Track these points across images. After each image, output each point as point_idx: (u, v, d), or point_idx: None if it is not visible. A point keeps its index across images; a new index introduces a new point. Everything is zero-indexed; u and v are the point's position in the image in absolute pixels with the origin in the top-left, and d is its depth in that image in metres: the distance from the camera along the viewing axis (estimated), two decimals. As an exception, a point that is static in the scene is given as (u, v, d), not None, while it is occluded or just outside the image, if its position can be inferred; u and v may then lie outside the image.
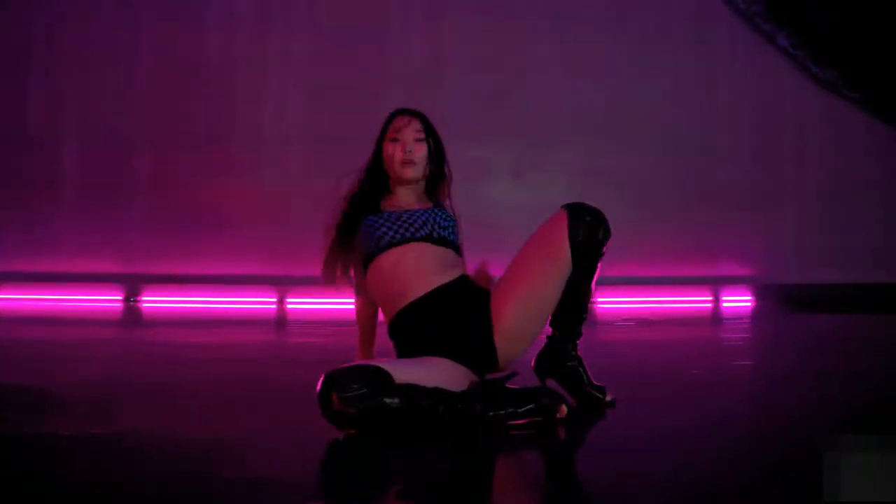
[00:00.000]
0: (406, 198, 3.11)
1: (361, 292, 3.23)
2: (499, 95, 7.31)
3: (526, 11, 7.46)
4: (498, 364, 2.89)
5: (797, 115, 7.70)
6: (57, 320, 6.21)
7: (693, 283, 7.59)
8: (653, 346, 5.32)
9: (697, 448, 2.65)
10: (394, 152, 3.06)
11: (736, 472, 2.40)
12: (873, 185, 7.70)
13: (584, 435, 2.79)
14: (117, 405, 3.24)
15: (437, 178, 3.17)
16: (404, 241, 2.95)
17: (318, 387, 2.52)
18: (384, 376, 2.52)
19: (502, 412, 2.60)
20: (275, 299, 7.30)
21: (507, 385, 2.69)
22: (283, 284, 7.29)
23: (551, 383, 3.00)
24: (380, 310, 3.14)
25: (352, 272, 3.20)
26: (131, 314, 6.71)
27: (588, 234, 2.83)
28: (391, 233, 2.97)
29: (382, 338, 3.23)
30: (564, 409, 2.68)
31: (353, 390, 2.47)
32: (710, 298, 7.62)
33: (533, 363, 3.05)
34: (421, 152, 3.06)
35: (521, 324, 2.84)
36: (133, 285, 7.26)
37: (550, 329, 3.00)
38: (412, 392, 2.52)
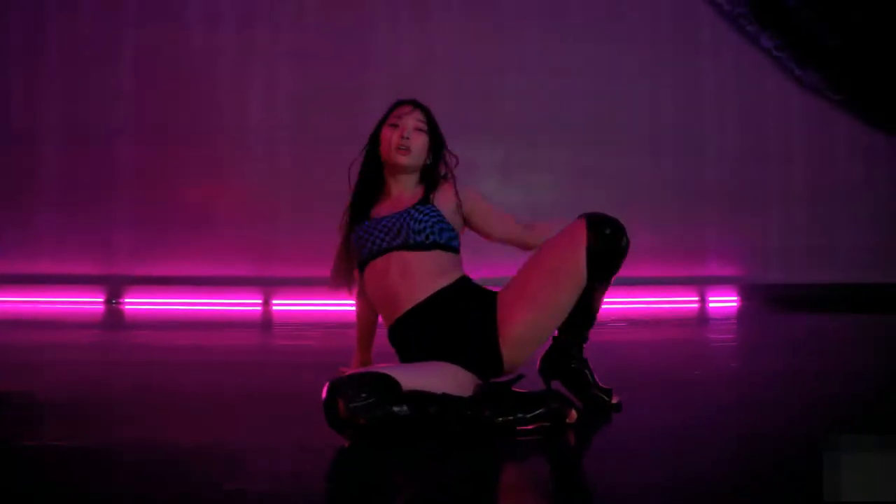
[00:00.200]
0: (396, 191, 3.05)
1: (362, 294, 3.20)
2: (486, 95, 7.31)
3: (513, 12, 7.48)
4: (502, 368, 2.83)
5: (782, 116, 7.75)
6: (37, 323, 6.15)
7: (679, 283, 7.59)
8: (643, 346, 5.32)
9: (696, 448, 2.64)
10: (391, 136, 3.00)
11: (735, 472, 2.40)
12: (857, 185, 7.75)
13: (581, 436, 2.77)
14: (104, 412, 3.19)
15: (433, 171, 3.08)
16: (382, 251, 2.90)
17: (324, 395, 2.48)
18: (392, 384, 2.47)
19: (511, 417, 2.55)
20: (260, 301, 7.23)
21: (514, 389, 2.63)
22: (268, 285, 7.24)
23: (556, 385, 2.98)
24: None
25: (356, 274, 3.16)
26: (113, 316, 6.63)
27: (609, 247, 2.79)
28: (369, 244, 2.94)
29: (381, 339, 3.21)
30: (574, 413, 2.62)
31: (360, 399, 2.42)
32: (696, 299, 7.64)
33: (538, 364, 3.02)
34: (418, 141, 3.00)
35: (529, 333, 2.78)
36: (115, 287, 7.19)
37: (557, 331, 2.96)
38: (420, 399, 2.47)
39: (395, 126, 3.01)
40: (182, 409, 3.24)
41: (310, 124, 7.23)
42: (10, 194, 7.17)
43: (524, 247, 3.05)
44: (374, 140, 3.09)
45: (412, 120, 3.01)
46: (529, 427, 2.56)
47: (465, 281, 2.91)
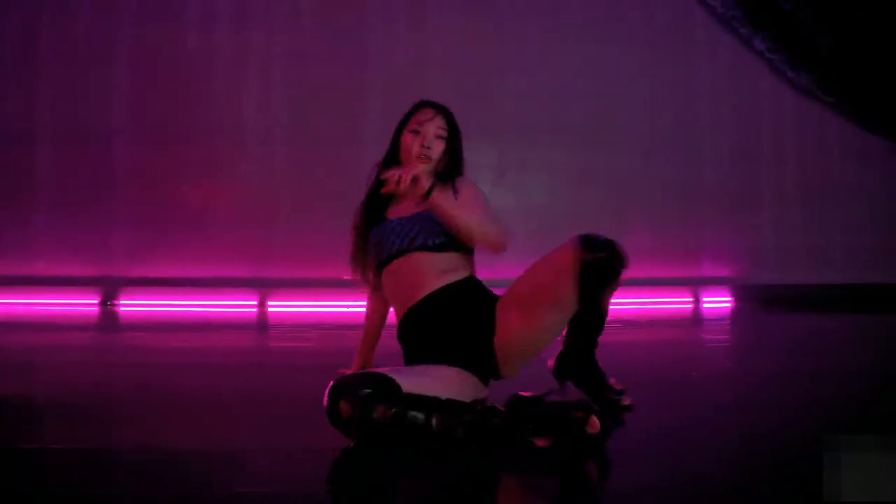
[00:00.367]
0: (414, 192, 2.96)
1: (375, 294, 3.22)
2: (482, 96, 7.30)
3: (509, 14, 7.49)
4: (499, 372, 2.83)
5: (776, 118, 7.76)
6: (33, 325, 6.12)
7: (674, 283, 7.59)
8: (638, 347, 5.33)
9: (693, 448, 2.64)
10: (412, 144, 3.00)
11: (733, 472, 2.40)
12: (850, 186, 7.78)
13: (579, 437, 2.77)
14: (102, 414, 3.18)
15: (451, 170, 3.07)
16: (401, 252, 2.91)
17: (326, 395, 2.50)
18: (393, 386, 2.48)
19: (525, 427, 2.49)
20: (255, 302, 7.21)
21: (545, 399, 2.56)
22: (264, 287, 7.22)
23: (570, 387, 3.00)
24: (391, 312, 3.13)
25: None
26: (109, 318, 6.61)
27: (599, 275, 2.70)
28: (387, 247, 2.94)
29: (384, 342, 3.27)
30: (597, 422, 2.49)
31: (361, 400, 2.44)
32: (690, 299, 7.64)
33: (552, 365, 3.02)
34: (438, 149, 3.01)
35: (520, 344, 2.77)
36: (111, 288, 7.17)
37: (567, 333, 2.96)
38: (420, 403, 2.47)
39: (416, 133, 3.01)
40: (180, 410, 3.23)
41: (307, 125, 7.23)
42: (7, 195, 7.12)
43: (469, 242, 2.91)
44: (395, 141, 3.09)
45: (433, 127, 3.02)
46: (546, 438, 2.48)
47: (472, 280, 2.92)
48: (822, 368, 4.29)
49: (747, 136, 7.77)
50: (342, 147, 7.22)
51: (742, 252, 7.71)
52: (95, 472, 2.39)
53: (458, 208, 2.79)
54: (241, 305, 7.23)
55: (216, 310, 7.06)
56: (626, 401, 2.86)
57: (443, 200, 2.76)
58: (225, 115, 7.26)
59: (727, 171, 7.70)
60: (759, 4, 7.44)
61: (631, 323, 6.45)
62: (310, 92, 7.26)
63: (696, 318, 6.93)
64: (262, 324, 6.46)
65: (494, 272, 3.19)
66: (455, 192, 3.00)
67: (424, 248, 2.89)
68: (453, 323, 2.80)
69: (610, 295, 2.76)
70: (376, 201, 3.08)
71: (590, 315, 2.80)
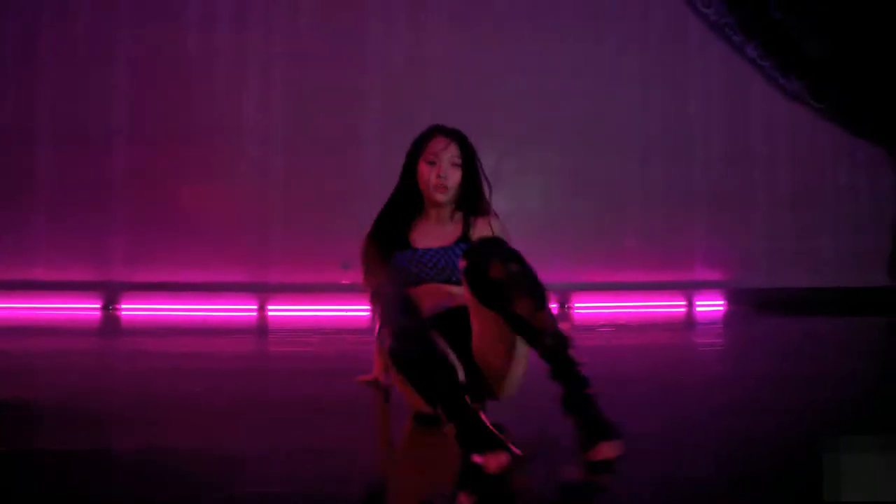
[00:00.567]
0: (436, 217, 3.12)
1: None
2: (478, 100, 7.30)
3: (504, 18, 7.49)
4: (492, 389, 2.80)
5: (767, 123, 7.77)
6: (33, 330, 6.11)
7: (667, 287, 7.61)
8: (633, 350, 5.34)
9: (689, 451, 2.64)
10: (429, 176, 3.05)
11: (728, 474, 2.41)
12: (840, 191, 7.80)
13: (572, 437, 2.77)
14: (102, 417, 3.18)
15: (471, 197, 3.14)
16: (426, 280, 2.98)
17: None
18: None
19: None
20: (255, 306, 7.22)
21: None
22: (264, 291, 7.22)
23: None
24: None
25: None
26: (110, 323, 6.63)
27: (482, 276, 2.52)
28: (414, 276, 2.99)
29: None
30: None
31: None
32: (683, 303, 7.64)
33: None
34: (455, 179, 3.06)
35: (488, 357, 2.74)
36: (111, 293, 7.16)
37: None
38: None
39: (432, 163, 3.06)
40: (181, 413, 3.24)
41: (306, 130, 7.24)
42: (6, 198, 7.13)
43: None
44: (411, 168, 3.14)
45: (448, 155, 3.06)
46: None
47: None
48: (815, 371, 4.31)
49: (739, 141, 7.79)
50: (341, 152, 7.23)
51: (734, 256, 7.73)
52: (95, 473, 2.41)
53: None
54: (240, 310, 7.20)
55: (216, 314, 7.03)
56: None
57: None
58: (224, 118, 7.28)
59: (719, 175, 7.71)
60: (752, 12, 7.45)
61: (625, 327, 6.46)
62: (308, 95, 7.26)
63: (690, 322, 6.98)
64: (261, 328, 6.46)
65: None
66: (472, 228, 3.09)
67: (450, 282, 2.98)
68: (456, 345, 2.65)
69: (522, 300, 2.48)
70: (396, 227, 3.12)
71: (520, 329, 2.52)
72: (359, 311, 6.90)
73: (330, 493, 2.25)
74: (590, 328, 6.35)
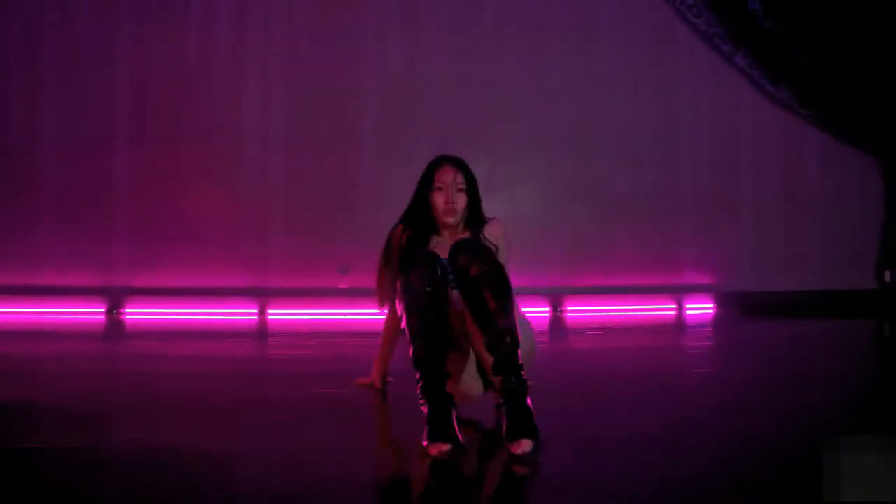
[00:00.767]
0: (450, 236, 3.39)
1: (393, 311, 3.47)
2: (473, 108, 7.33)
3: (497, 27, 7.52)
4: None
5: (756, 130, 7.78)
6: (39, 334, 6.12)
7: (657, 291, 7.61)
8: (628, 352, 5.38)
9: (691, 451, 2.64)
10: (439, 201, 3.38)
11: (731, 473, 2.40)
12: (826, 196, 7.81)
13: (567, 439, 2.77)
14: (104, 418, 3.20)
15: (475, 214, 3.46)
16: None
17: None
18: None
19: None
20: (256, 310, 7.22)
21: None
22: (264, 296, 7.23)
23: None
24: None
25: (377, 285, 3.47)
26: (113, 327, 6.63)
27: (463, 273, 2.87)
28: None
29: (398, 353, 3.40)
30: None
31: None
32: (673, 306, 7.64)
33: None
34: (462, 203, 3.39)
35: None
36: (116, 298, 7.15)
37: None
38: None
39: (440, 190, 3.38)
40: (182, 414, 3.26)
41: (306, 136, 7.27)
42: (11, 205, 7.14)
43: None
44: (423, 195, 3.43)
45: (454, 183, 3.39)
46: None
47: None
48: (807, 373, 4.37)
49: (728, 148, 7.80)
50: (338, 157, 7.24)
51: (723, 260, 7.73)
52: (96, 473, 2.40)
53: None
54: (241, 314, 7.23)
55: (217, 318, 7.06)
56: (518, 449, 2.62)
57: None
58: (224, 128, 7.29)
59: (709, 180, 7.72)
60: (741, 22, 7.47)
61: (616, 330, 6.50)
62: (306, 105, 7.27)
63: (680, 325, 6.99)
64: (262, 332, 6.46)
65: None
66: (483, 236, 3.34)
67: None
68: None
69: (491, 300, 2.80)
70: (419, 235, 3.42)
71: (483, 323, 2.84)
72: (356, 314, 6.91)
73: (329, 492, 2.24)
74: (579, 331, 6.37)
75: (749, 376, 4.25)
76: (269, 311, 7.26)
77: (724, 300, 7.67)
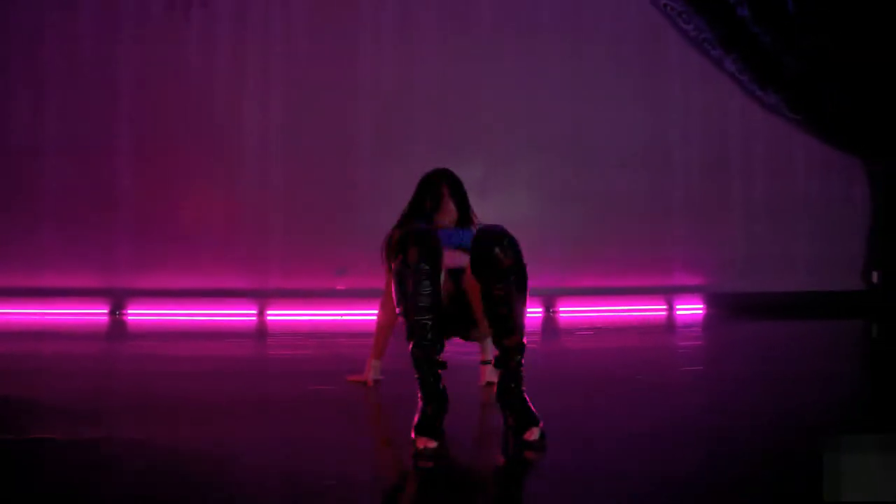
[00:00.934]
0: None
1: (387, 306, 3.64)
2: (467, 114, 7.34)
3: (490, 35, 7.54)
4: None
5: (745, 134, 7.79)
6: (42, 334, 6.12)
7: (648, 292, 7.61)
8: (616, 353, 5.39)
9: (691, 451, 2.62)
10: (433, 210, 3.66)
11: (732, 473, 2.38)
12: (813, 199, 7.83)
13: (562, 438, 2.74)
14: (106, 418, 3.21)
15: (465, 213, 3.74)
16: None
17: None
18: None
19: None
20: (255, 311, 7.21)
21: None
22: (263, 297, 7.22)
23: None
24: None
25: (385, 287, 3.63)
26: (116, 327, 6.63)
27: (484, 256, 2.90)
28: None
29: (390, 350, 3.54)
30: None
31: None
32: (664, 307, 7.63)
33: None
34: (451, 208, 3.68)
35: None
36: (117, 298, 7.13)
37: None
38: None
39: (434, 199, 3.67)
40: (183, 413, 3.26)
41: (303, 142, 7.31)
42: (16, 209, 7.14)
43: None
44: (419, 204, 3.70)
45: (444, 190, 3.68)
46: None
47: None
48: (799, 373, 4.38)
49: (718, 151, 7.80)
50: (337, 160, 7.26)
51: (712, 261, 7.74)
52: (96, 473, 2.38)
53: None
54: (241, 314, 7.24)
55: (217, 318, 7.07)
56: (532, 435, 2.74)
57: None
58: (223, 133, 7.31)
59: (698, 184, 7.73)
60: (730, 28, 7.46)
61: (609, 329, 6.50)
62: (303, 110, 7.26)
63: (670, 325, 7.00)
64: (261, 332, 6.46)
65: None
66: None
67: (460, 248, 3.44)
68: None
69: (499, 285, 2.83)
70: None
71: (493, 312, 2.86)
72: (353, 315, 6.88)
73: (329, 490, 2.21)
74: (570, 331, 6.37)
75: (741, 376, 4.24)
76: (269, 312, 7.26)
77: (714, 300, 7.67)
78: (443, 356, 2.81)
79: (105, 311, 7.17)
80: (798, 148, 7.80)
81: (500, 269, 2.79)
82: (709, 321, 7.15)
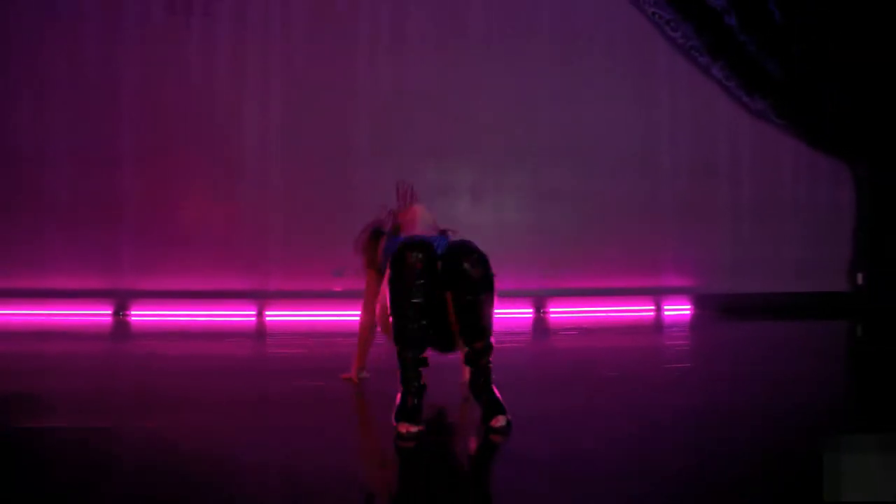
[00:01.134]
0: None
1: (369, 308, 3.74)
2: (460, 120, 7.30)
3: (481, 44, 7.52)
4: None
5: (732, 139, 7.76)
6: (49, 334, 6.10)
7: (637, 293, 7.58)
8: (609, 353, 5.35)
9: (692, 451, 2.59)
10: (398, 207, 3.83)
11: (732, 473, 2.35)
12: (800, 201, 7.82)
13: (568, 437, 2.70)
14: (107, 417, 3.18)
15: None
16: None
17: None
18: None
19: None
20: (255, 312, 7.17)
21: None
22: (262, 298, 7.20)
23: None
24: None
25: (365, 290, 3.82)
26: (120, 327, 6.60)
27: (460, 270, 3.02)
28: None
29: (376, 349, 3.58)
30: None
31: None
32: (652, 307, 7.59)
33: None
34: (421, 211, 3.72)
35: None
36: (121, 300, 7.10)
37: None
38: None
39: (402, 204, 3.81)
40: (183, 413, 3.22)
41: (302, 149, 7.27)
42: (24, 214, 7.09)
43: None
44: (390, 215, 3.82)
45: (410, 190, 3.85)
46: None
47: None
48: (776, 372, 4.32)
49: (706, 156, 7.78)
50: (334, 166, 7.26)
51: (700, 263, 7.71)
52: (96, 474, 2.35)
53: None
54: (241, 315, 7.19)
55: (218, 319, 7.03)
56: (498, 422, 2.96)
57: None
58: (224, 139, 7.27)
59: (687, 187, 7.70)
60: (718, 36, 7.45)
61: (599, 330, 6.47)
62: (303, 116, 7.25)
63: (658, 325, 6.96)
64: (260, 332, 6.44)
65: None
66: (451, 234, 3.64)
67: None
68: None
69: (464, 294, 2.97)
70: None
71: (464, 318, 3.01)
72: (350, 315, 6.85)
73: (329, 491, 2.18)
74: (557, 330, 6.43)
75: (734, 376, 4.22)
76: (268, 313, 7.22)
77: (702, 301, 7.63)
78: (425, 354, 3.00)
79: (109, 312, 7.13)
80: (785, 152, 7.79)
81: (470, 281, 2.95)
82: (697, 322, 7.11)
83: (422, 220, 3.63)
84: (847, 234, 7.76)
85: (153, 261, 7.13)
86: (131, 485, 2.24)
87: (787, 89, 7.46)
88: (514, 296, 7.17)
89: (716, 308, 7.55)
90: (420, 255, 2.93)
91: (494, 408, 2.91)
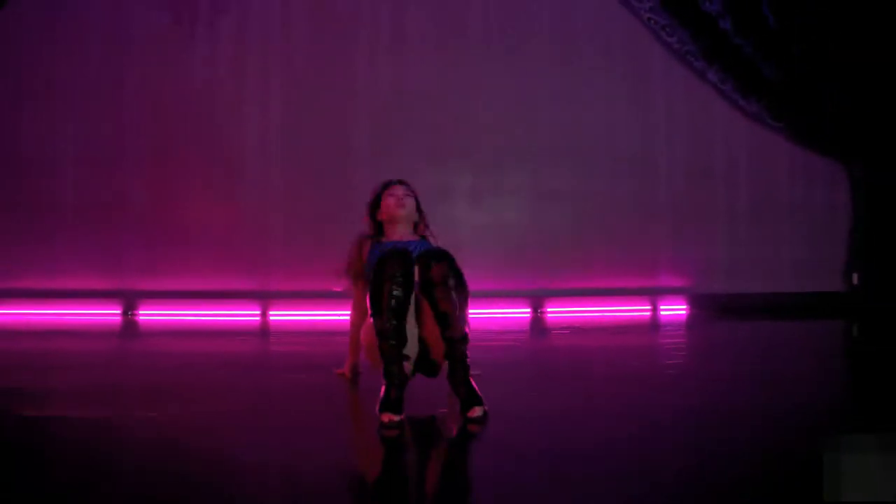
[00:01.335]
0: (399, 234, 3.78)
1: (358, 307, 3.80)
2: (458, 122, 7.31)
3: (481, 44, 7.49)
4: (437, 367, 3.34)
5: (728, 141, 7.75)
6: (58, 333, 6.10)
7: (633, 293, 7.55)
8: (608, 352, 5.31)
9: (692, 451, 2.55)
10: (390, 202, 3.81)
11: (732, 473, 2.33)
12: (795, 202, 7.78)
13: (568, 437, 2.66)
14: (108, 417, 3.16)
15: (420, 217, 3.89)
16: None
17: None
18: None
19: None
20: (258, 311, 7.18)
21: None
22: (266, 298, 7.21)
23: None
24: None
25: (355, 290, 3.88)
26: (129, 327, 6.61)
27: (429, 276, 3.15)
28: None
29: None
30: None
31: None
32: (648, 307, 7.55)
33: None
34: (410, 202, 3.83)
35: (432, 344, 3.27)
36: (129, 300, 7.12)
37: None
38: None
39: (391, 195, 3.83)
40: (184, 412, 3.19)
41: (300, 150, 7.25)
42: (35, 216, 7.09)
43: None
44: (376, 205, 3.91)
45: (401, 190, 3.85)
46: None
47: None
48: (772, 371, 4.28)
49: (702, 158, 7.75)
50: (334, 168, 7.26)
51: (696, 264, 7.67)
52: (97, 474, 2.35)
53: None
54: (245, 315, 7.17)
55: (223, 318, 7.03)
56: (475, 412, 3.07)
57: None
58: (225, 141, 7.26)
59: (683, 189, 7.67)
60: (713, 40, 7.40)
61: (596, 329, 6.44)
62: (303, 118, 7.23)
63: (654, 325, 6.93)
64: (264, 331, 6.45)
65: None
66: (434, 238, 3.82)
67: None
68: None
69: (449, 301, 3.10)
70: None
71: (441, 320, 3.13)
72: (346, 316, 6.83)
73: (329, 489, 2.12)
74: (548, 330, 6.43)
75: (731, 376, 4.17)
76: (271, 312, 7.20)
77: (697, 301, 7.59)
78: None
79: (117, 311, 7.12)
80: (781, 154, 7.74)
81: (438, 280, 3.09)
82: (694, 321, 7.07)
83: (406, 211, 3.78)
84: (842, 235, 7.69)
85: (160, 262, 7.12)
86: (131, 485, 2.22)
87: (783, 91, 7.40)
88: (512, 295, 7.18)
89: (712, 308, 7.50)
90: (395, 262, 3.06)
91: (472, 399, 3.03)
